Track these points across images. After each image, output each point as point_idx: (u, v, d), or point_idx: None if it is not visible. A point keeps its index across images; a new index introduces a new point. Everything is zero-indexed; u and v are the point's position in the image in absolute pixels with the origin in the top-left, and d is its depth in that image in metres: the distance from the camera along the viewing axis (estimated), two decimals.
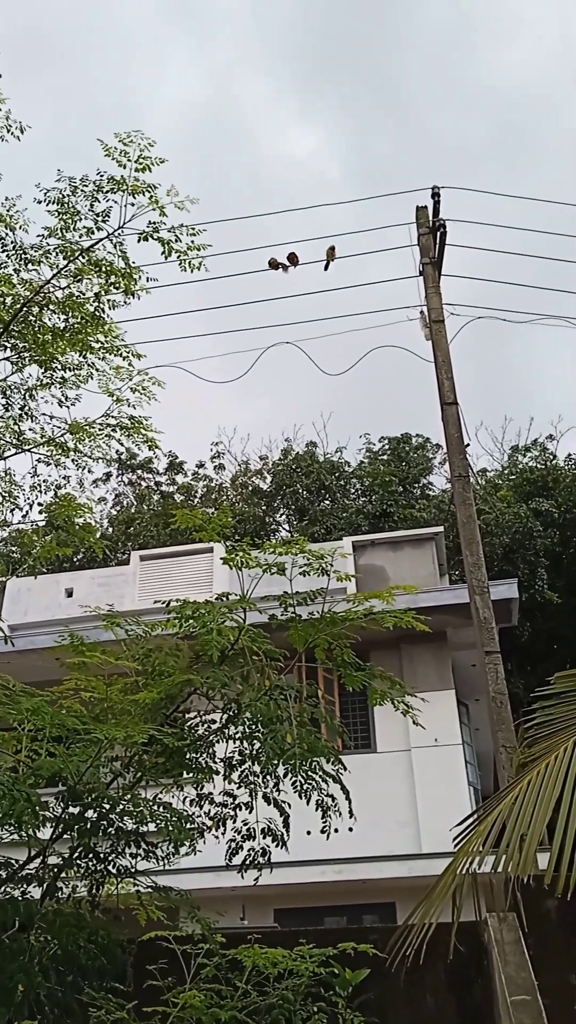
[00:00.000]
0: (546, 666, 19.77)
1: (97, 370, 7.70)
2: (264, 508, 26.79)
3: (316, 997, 6.32)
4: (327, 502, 26.10)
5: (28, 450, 7.93)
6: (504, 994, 6.38)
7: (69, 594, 16.32)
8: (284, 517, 27.16)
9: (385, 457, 26.50)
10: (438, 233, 11.38)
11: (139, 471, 29.27)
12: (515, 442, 27.30)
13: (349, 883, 11.67)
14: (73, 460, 8.04)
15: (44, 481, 8.29)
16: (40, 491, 8.17)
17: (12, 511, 8.23)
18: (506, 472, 25.26)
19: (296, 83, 57.42)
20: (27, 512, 8.35)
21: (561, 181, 49.55)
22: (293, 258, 12.43)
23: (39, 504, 8.46)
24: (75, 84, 56.71)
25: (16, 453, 8.03)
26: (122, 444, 7.97)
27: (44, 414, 7.98)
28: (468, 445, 10.45)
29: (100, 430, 7.77)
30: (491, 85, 52.49)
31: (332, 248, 12.27)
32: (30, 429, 8.00)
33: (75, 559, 22.86)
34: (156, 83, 57.57)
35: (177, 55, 58.23)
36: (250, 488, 27.96)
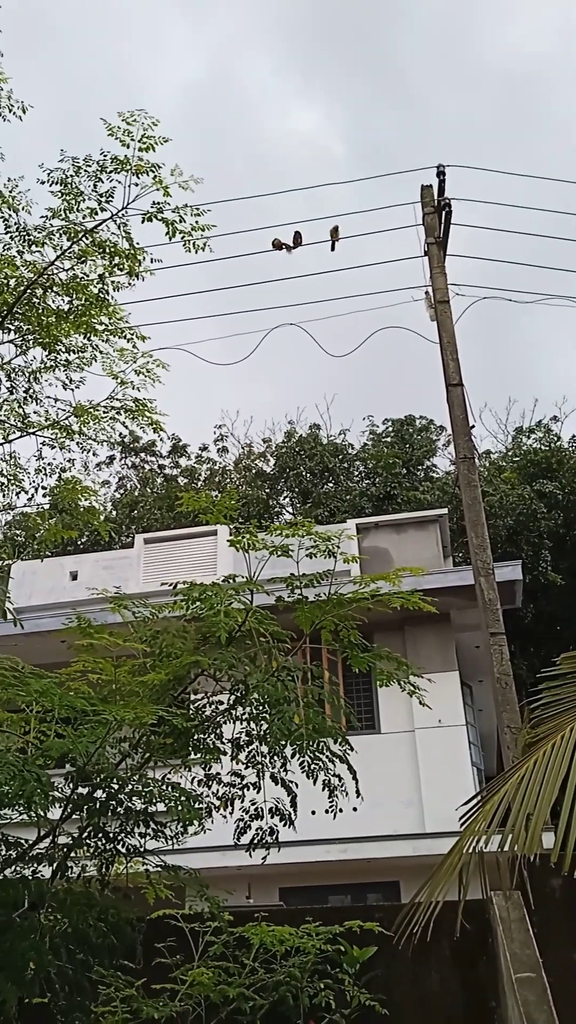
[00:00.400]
0: (549, 648, 19.82)
1: (101, 352, 7.67)
2: (268, 491, 26.78)
3: (323, 974, 6.40)
4: (331, 485, 26.08)
5: (33, 433, 7.92)
6: (509, 971, 6.44)
7: (74, 577, 16.35)
8: (288, 500, 27.15)
9: (389, 439, 26.44)
10: (443, 213, 11.29)
11: (142, 454, 29.25)
12: (519, 424, 27.25)
13: (354, 862, 11.77)
14: (78, 443, 8.04)
15: (49, 464, 8.30)
16: (45, 474, 8.18)
17: (17, 494, 8.23)
18: (510, 454, 25.20)
19: (297, 60, 56.81)
20: (32, 495, 8.36)
21: (566, 158, 49.10)
22: (297, 238, 12.33)
23: (44, 488, 8.47)
24: (74, 62, 56.19)
25: (21, 436, 8.02)
26: (126, 427, 7.96)
27: (48, 397, 7.97)
28: (473, 427, 10.42)
29: (104, 413, 7.75)
30: (494, 62, 51.93)
31: (336, 228, 12.18)
32: (35, 412, 7.99)
33: (79, 542, 22.90)
34: (156, 60, 57.06)
35: (176, 31, 57.60)
36: (254, 471, 27.94)
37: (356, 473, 26.53)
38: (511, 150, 50.23)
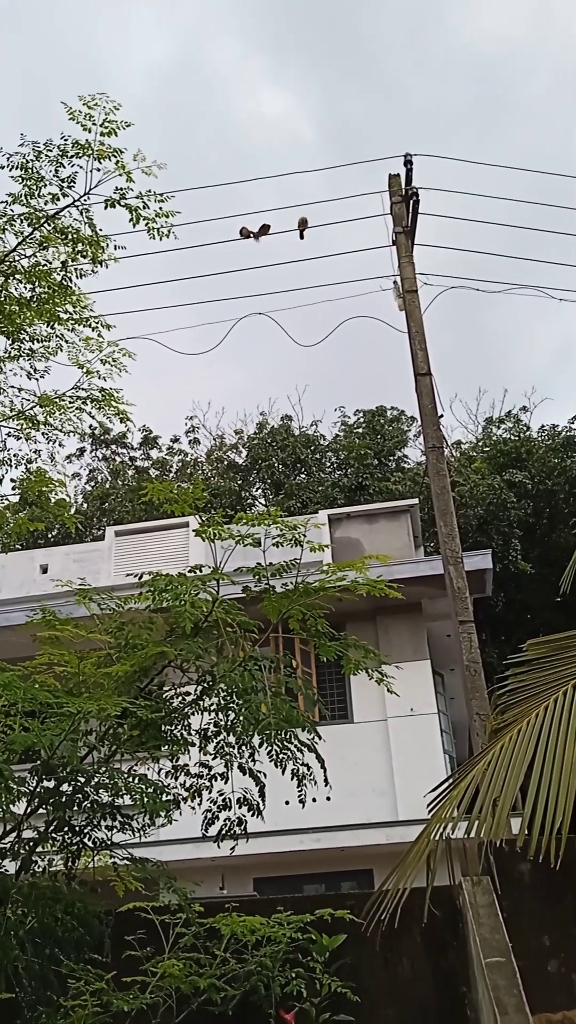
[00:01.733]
0: (519, 636, 19.96)
1: (66, 341, 7.57)
2: (240, 482, 26.71)
3: (294, 963, 6.40)
4: (303, 476, 26.08)
5: None
6: (479, 956, 6.48)
7: (44, 570, 16.21)
8: (260, 491, 27.11)
9: (360, 430, 26.48)
10: (411, 202, 11.27)
11: (113, 446, 29.04)
12: (489, 414, 27.41)
13: (327, 851, 11.82)
14: (44, 434, 7.93)
15: (15, 456, 8.18)
16: (10, 466, 8.06)
17: None
18: (480, 444, 25.35)
19: (266, 43, 56.32)
20: None
21: (535, 145, 49.36)
22: (264, 228, 12.28)
23: (11, 480, 8.36)
24: (39, 44, 55.33)
25: None
26: (93, 417, 7.87)
27: (12, 387, 7.85)
28: (442, 416, 10.45)
29: (71, 403, 7.66)
30: (464, 45, 51.86)
31: (304, 219, 12.13)
32: None
33: (50, 535, 22.69)
34: (122, 42, 56.25)
35: (144, 13, 56.92)
36: (225, 462, 27.85)
37: (328, 464, 26.55)
38: (483, 133, 50.41)
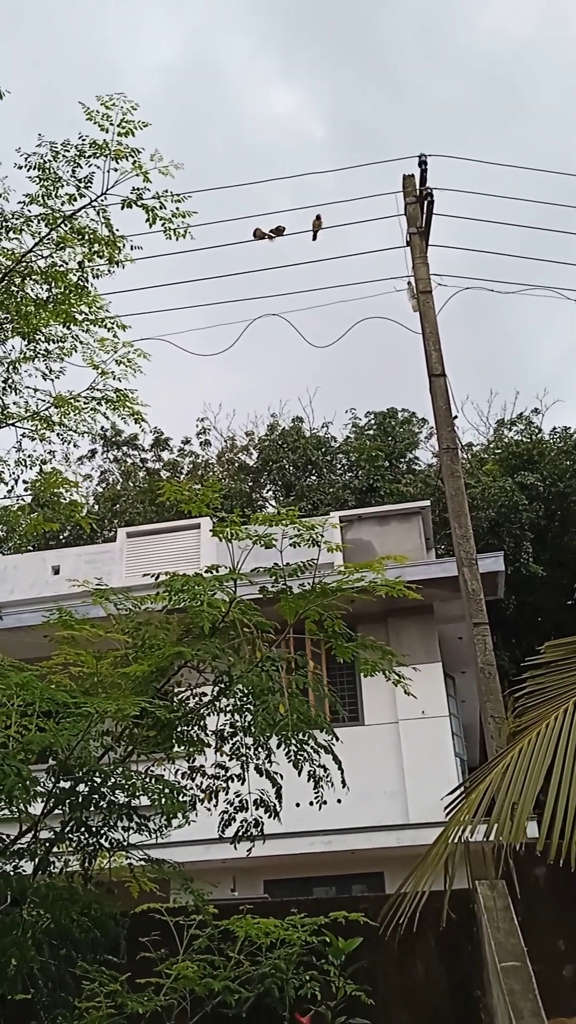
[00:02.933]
0: (531, 639, 19.90)
1: (81, 342, 7.58)
2: (251, 484, 26.70)
3: (308, 966, 6.38)
4: (313, 477, 26.05)
5: (12, 424, 7.81)
6: (494, 960, 6.45)
7: (56, 571, 16.21)
8: (271, 493, 27.09)
9: (371, 432, 26.44)
10: (425, 202, 11.22)
11: (124, 448, 29.08)
12: (501, 416, 27.32)
13: (338, 853, 11.77)
14: (58, 434, 7.94)
15: (29, 456, 8.19)
16: (25, 466, 8.07)
17: None
18: (492, 446, 25.27)
19: (276, 42, 56.19)
20: (12, 487, 8.26)
21: (548, 143, 49.15)
22: (279, 230, 12.26)
23: (24, 481, 8.36)
24: (50, 44, 55.39)
25: (0, 427, 7.91)
26: (107, 418, 7.88)
27: (28, 387, 7.86)
28: (456, 417, 10.40)
29: (85, 403, 7.66)
30: (476, 44, 51.61)
31: (318, 217, 12.10)
32: (14, 403, 7.89)
33: (61, 536, 22.73)
34: (133, 42, 56.25)
35: (154, 11, 56.91)
36: (236, 464, 27.85)
37: (339, 466, 26.52)
38: (495, 133, 50.13)
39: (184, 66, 54.95)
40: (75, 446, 8.07)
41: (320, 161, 49.71)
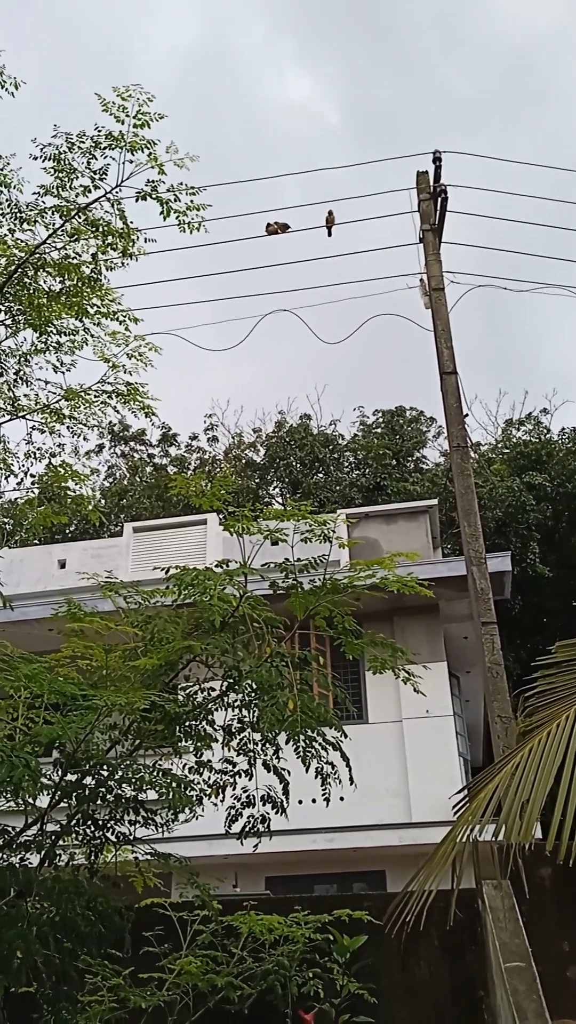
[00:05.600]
0: (536, 639, 19.86)
1: (92, 335, 7.56)
2: (257, 481, 26.69)
3: (311, 963, 6.36)
4: (320, 475, 26.02)
5: (23, 416, 7.80)
6: (498, 960, 6.42)
7: (62, 565, 16.22)
8: (277, 490, 27.07)
9: (379, 430, 26.40)
10: (439, 199, 11.18)
11: (132, 443, 29.08)
12: (509, 416, 27.27)
13: (340, 851, 11.76)
14: (68, 427, 7.92)
15: (39, 449, 8.18)
16: (35, 459, 8.06)
17: (7, 477, 8.11)
18: (500, 446, 25.21)
19: (292, 24, 55.72)
20: (21, 480, 8.25)
21: (568, 130, 48.64)
22: (284, 226, 12.22)
23: (32, 475, 8.36)
24: (65, 27, 55.15)
25: (10, 420, 7.90)
26: (118, 411, 7.86)
27: (39, 380, 7.84)
28: (467, 416, 10.35)
29: (96, 397, 7.65)
30: (496, 30, 51.04)
31: (331, 213, 12.06)
32: (24, 395, 7.87)
33: (68, 531, 22.75)
34: (148, 24, 55.95)
35: None
36: (244, 461, 27.83)
37: (346, 464, 26.48)
38: (513, 121, 49.70)
39: (199, 49, 54.63)
40: (84, 439, 8.04)
41: (334, 147, 49.46)
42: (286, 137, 50.28)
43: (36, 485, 8.49)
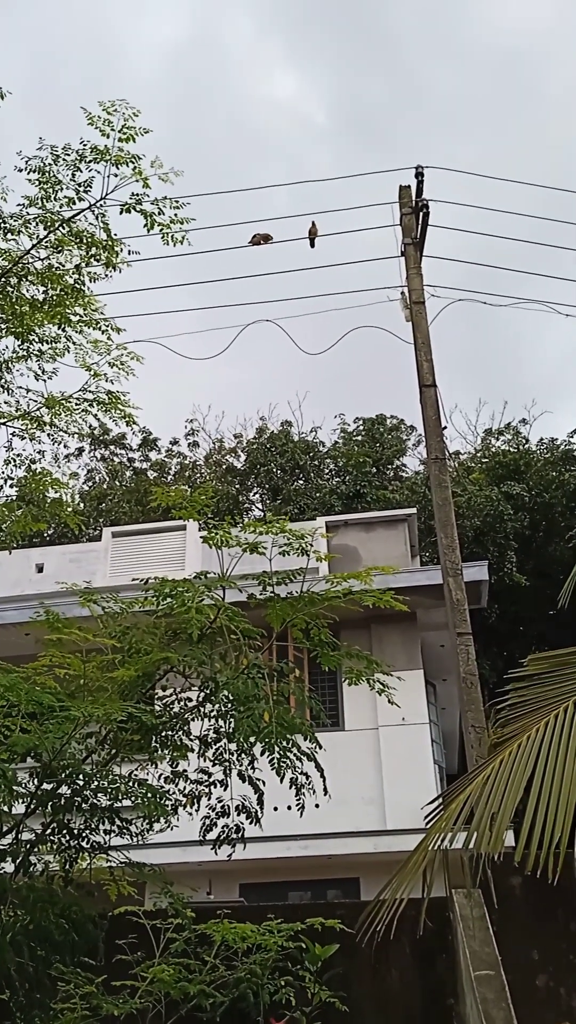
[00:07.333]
0: (513, 647, 20.05)
1: (75, 343, 7.59)
2: (238, 487, 26.73)
3: (284, 971, 6.41)
4: (301, 482, 26.10)
5: (3, 423, 7.81)
6: (468, 968, 6.50)
7: (40, 569, 16.17)
8: (258, 496, 27.13)
9: (359, 438, 26.54)
10: (420, 213, 11.32)
11: (112, 447, 29.02)
12: (489, 425, 27.50)
13: (314, 858, 11.80)
14: (49, 435, 7.95)
15: (18, 455, 8.19)
16: (15, 465, 8.06)
17: None
18: (479, 455, 25.43)
19: (281, 22, 55.66)
20: (1, 486, 8.26)
21: (557, 134, 48.95)
22: (266, 237, 12.32)
23: (11, 479, 8.36)
24: (50, 22, 54.82)
25: None
26: (98, 419, 7.89)
27: (20, 387, 7.86)
28: (445, 428, 10.48)
29: (77, 404, 7.68)
30: (485, 33, 51.09)
31: (314, 224, 12.17)
32: (5, 402, 7.89)
33: (46, 534, 22.65)
34: (135, 19, 55.78)
35: None
36: (224, 466, 27.86)
37: (326, 471, 26.59)
38: (503, 124, 49.99)
39: (187, 45, 54.46)
40: (65, 446, 8.05)
41: (321, 146, 49.49)
42: (272, 135, 50.32)
43: (14, 488, 8.50)
